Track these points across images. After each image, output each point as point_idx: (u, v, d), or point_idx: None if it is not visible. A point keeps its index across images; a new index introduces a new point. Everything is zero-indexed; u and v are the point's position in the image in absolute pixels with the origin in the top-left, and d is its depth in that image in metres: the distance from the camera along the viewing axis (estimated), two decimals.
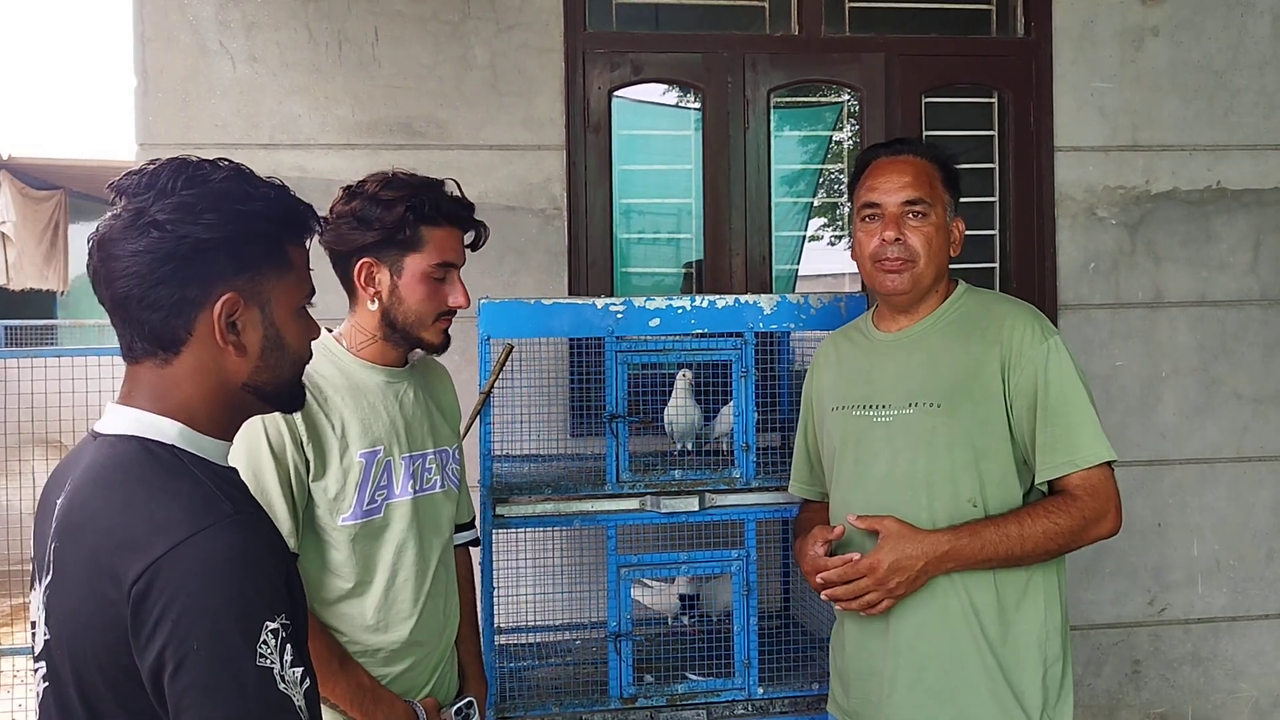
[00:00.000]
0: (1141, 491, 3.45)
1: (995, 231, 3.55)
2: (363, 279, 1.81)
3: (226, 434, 1.20)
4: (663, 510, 2.41)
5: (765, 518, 2.48)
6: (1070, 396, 1.86)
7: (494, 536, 2.43)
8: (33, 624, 1.17)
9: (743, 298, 2.46)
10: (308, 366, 1.27)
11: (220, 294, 1.14)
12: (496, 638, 2.43)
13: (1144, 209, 3.47)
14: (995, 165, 3.55)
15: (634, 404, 2.56)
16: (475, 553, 2.21)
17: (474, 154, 3.20)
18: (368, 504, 1.79)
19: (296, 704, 1.05)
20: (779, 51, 3.41)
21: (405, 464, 1.85)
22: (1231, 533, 3.52)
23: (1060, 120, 3.45)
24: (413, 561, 1.85)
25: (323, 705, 1.63)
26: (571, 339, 2.62)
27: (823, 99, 3.77)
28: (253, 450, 1.70)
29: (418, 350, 1.94)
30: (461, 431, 2.10)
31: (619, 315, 2.41)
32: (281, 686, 1.04)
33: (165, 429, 1.13)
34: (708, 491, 2.44)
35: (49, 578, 1.10)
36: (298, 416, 1.72)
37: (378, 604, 1.81)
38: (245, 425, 1.25)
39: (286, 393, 1.24)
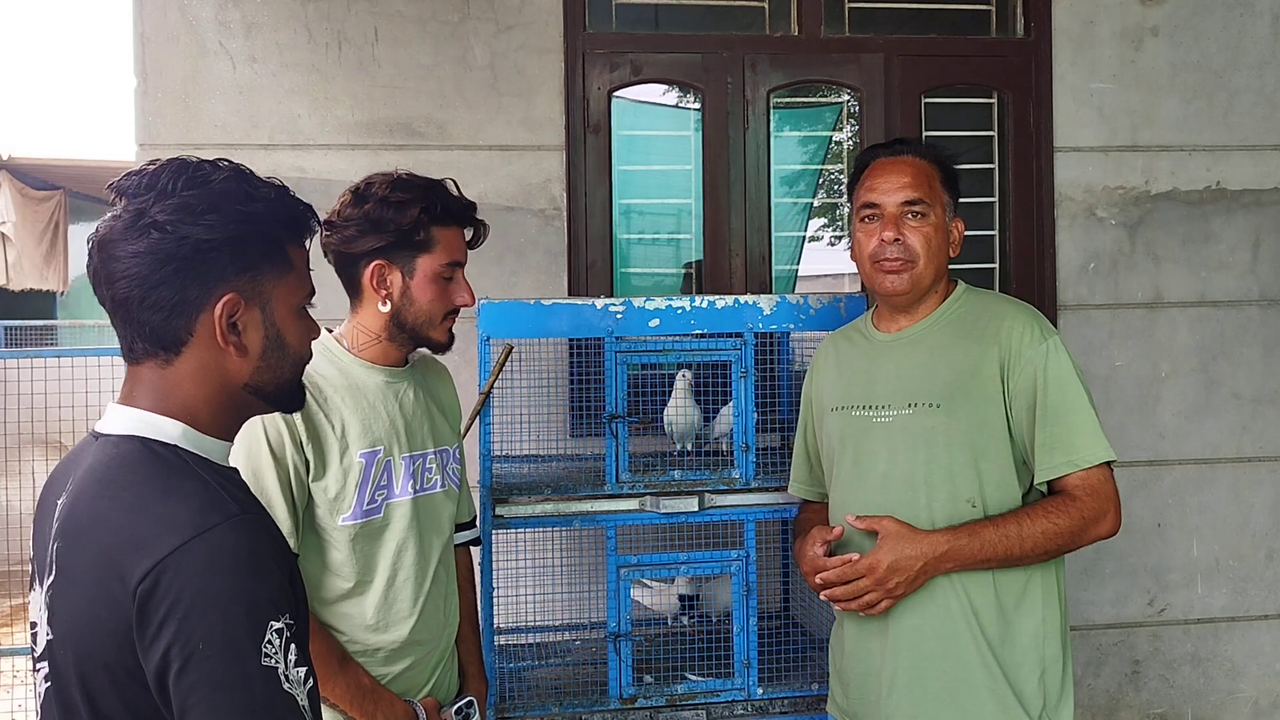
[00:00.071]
0: (1141, 492, 3.45)
1: (995, 232, 3.55)
2: (374, 281, 1.81)
3: (228, 434, 1.20)
4: (662, 511, 2.41)
5: (765, 518, 2.48)
6: (1069, 397, 1.86)
7: (493, 537, 2.43)
8: (32, 624, 1.17)
9: (742, 298, 2.46)
10: (307, 367, 1.27)
11: (221, 295, 1.14)
12: (496, 638, 2.43)
13: (1143, 209, 3.48)
14: (995, 165, 3.55)
15: (634, 404, 2.56)
16: (476, 552, 2.22)
17: (473, 154, 3.20)
18: (368, 504, 1.79)
19: (300, 703, 1.06)
20: (779, 52, 3.41)
21: (405, 464, 1.85)
22: (1231, 533, 3.52)
23: (1060, 120, 3.45)
24: (413, 561, 1.85)
25: (322, 705, 1.63)
26: (571, 339, 2.62)
27: (822, 99, 3.78)
28: (252, 451, 1.70)
29: (418, 350, 1.94)
30: (461, 432, 2.10)
31: (618, 316, 2.41)
32: (286, 686, 1.04)
33: (168, 429, 1.13)
34: (707, 492, 2.44)
35: (52, 578, 1.10)
36: (297, 417, 1.72)
37: (378, 603, 1.81)
38: (244, 426, 1.25)
39: (287, 393, 1.24)
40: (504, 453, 2.59)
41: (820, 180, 3.94)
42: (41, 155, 10.26)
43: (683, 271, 3.60)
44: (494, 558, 2.44)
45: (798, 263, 3.75)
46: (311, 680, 1.09)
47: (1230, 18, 3.50)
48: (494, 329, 2.41)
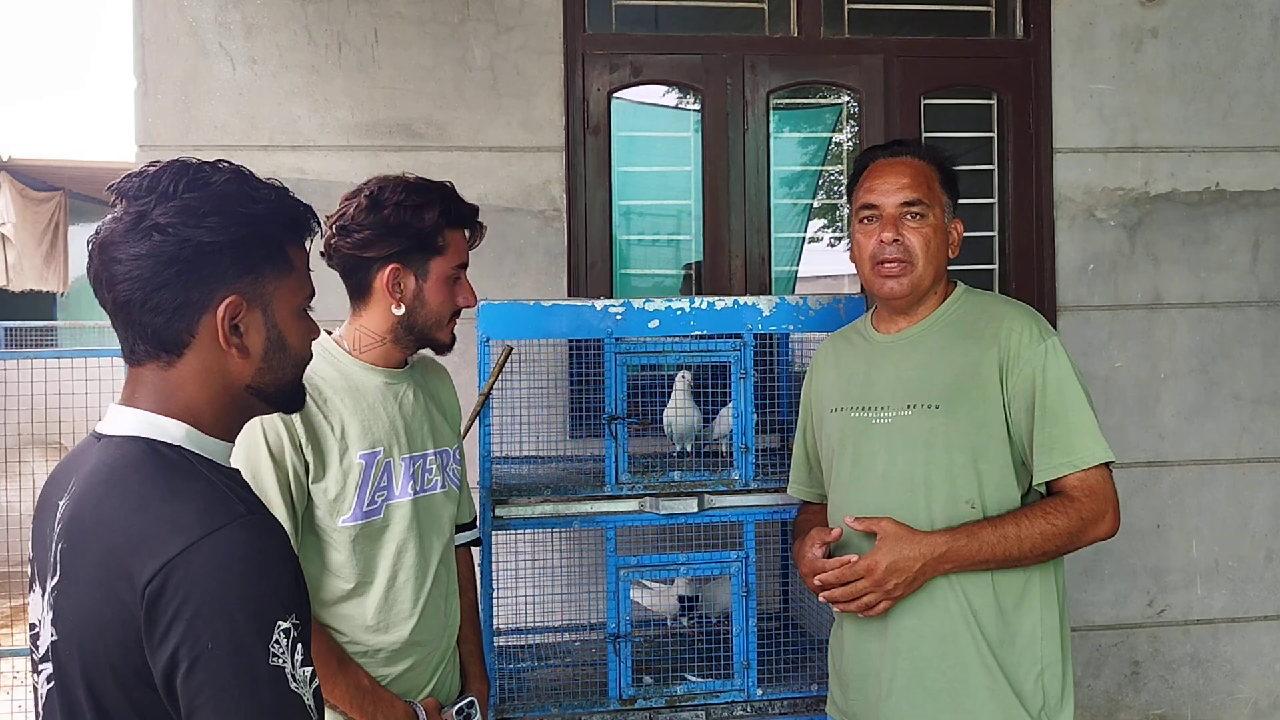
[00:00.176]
0: (1140, 493, 3.45)
1: (994, 233, 3.55)
2: (390, 285, 1.81)
3: (229, 435, 1.20)
4: (662, 512, 2.41)
5: (764, 519, 2.48)
6: (1068, 397, 1.86)
7: (493, 538, 2.44)
8: (32, 625, 1.17)
9: (742, 299, 2.46)
10: (306, 369, 1.27)
11: (223, 297, 1.14)
12: (496, 639, 2.43)
13: (1143, 210, 3.48)
14: (994, 167, 3.55)
15: (633, 405, 2.56)
16: (476, 553, 2.22)
17: (473, 155, 3.20)
18: (368, 505, 1.80)
19: (306, 703, 1.06)
20: (778, 53, 3.41)
21: (405, 465, 1.85)
22: (1230, 534, 3.52)
23: (1059, 122, 3.45)
24: (413, 562, 1.85)
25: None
26: (571, 340, 2.62)
27: (822, 100, 3.78)
28: (251, 453, 1.71)
29: (419, 351, 1.94)
30: (461, 433, 2.10)
31: (618, 317, 2.41)
32: (293, 685, 1.05)
33: (171, 430, 1.13)
34: (707, 493, 2.44)
35: (56, 579, 1.10)
36: (296, 419, 1.73)
37: (378, 604, 1.81)
38: (244, 428, 1.25)
39: (288, 394, 1.25)
40: (504, 454, 2.59)
41: (820, 181, 3.94)
42: (41, 156, 10.26)
43: (682, 273, 3.61)
44: (494, 559, 2.44)
45: (797, 264, 3.75)
46: (316, 680, 1.09)
47: (1230, 19, 3.50)
48: (494, 330, 2.41)
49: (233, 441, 1.21)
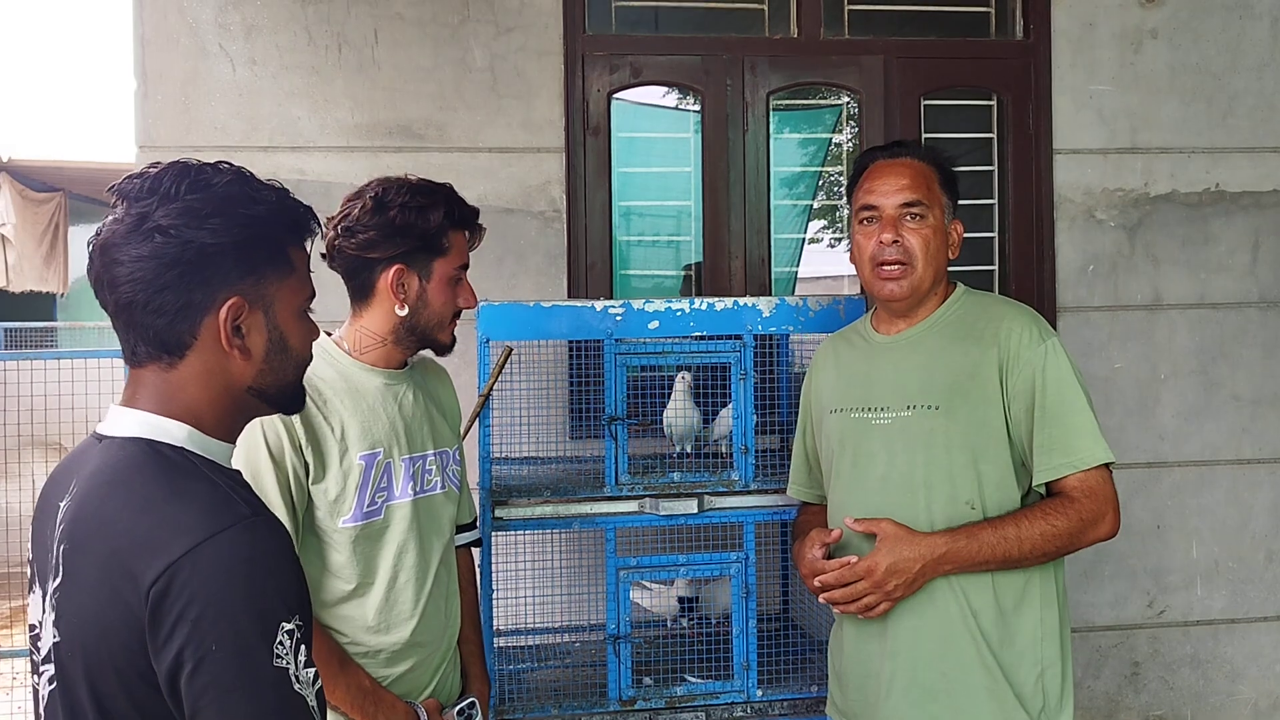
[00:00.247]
0: (1140, 494, 3.45)
1: (994, 234, 3.55)
2: (394, 286, 1.82)
3: (230, 436, 1.20)
4: (662, 513, 2.41)
5: (764, 520, 2.48)
6: (1068, 398, 1.86)
7: (493, 539, 2.43)
8: (32, 626, 1.17)
9: (742, 300, 2.46)
10: (307, 369, 1.27)
11: (225, 298, 1.14)
12: (496, 640, 2.43)
13: (1143, 211, 3.48)
14: (994, 168, 3.55)
15: (633, 406, 2.56)
16: (476, 553, 2.22)
17: (473, 156, 3.20)
18: (368, 506, 1.80)
19: (310, 704, 1.06)
20: (778, 54, 3.41)
21: (405, 466, 1.85)
22: (1230, 535, 3.52)
23: (1059, 123, 3.45)
24: (414, 563, 1.85)
25: None
26: (570, 341, 2.62)
27: (822, 101, 3.78)
28: (251, 454, 1.71)
29: (419, 352, 1.95)
30: (461, 434, 2.10)
31: (618, 318, 2.41)
32: (297, 687, 1.05)
33: (174, 431, 1.13)
34: (707, 494, 2.44)
35: (58, 580, 1.10)
36: (296, 420, 1.73)
37: (379, 605, 1.81)
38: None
39: (289, 395, 1.25)
40: (503, 455, 2.59)
41: (820, 182, 3.94)
42: (41, 157, 10.25)
43: (682, 273, 3.61)
44: (493, 560, 2.44)
45: (797, 265, 3.75)
46: (319, 682, 1.10)
47: (1229, 20, 3.50)
48: (493, 331, 2.41)
49: (234, 443, 1.21)
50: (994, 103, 3.55)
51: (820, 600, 1.95)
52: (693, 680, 2.49)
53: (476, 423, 2.42)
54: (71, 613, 1.08)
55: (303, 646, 1.07)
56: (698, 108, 3.42)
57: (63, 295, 11.42)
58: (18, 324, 10.28)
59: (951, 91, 3.54)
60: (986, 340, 1.91)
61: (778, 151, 3.56)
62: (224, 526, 1.04)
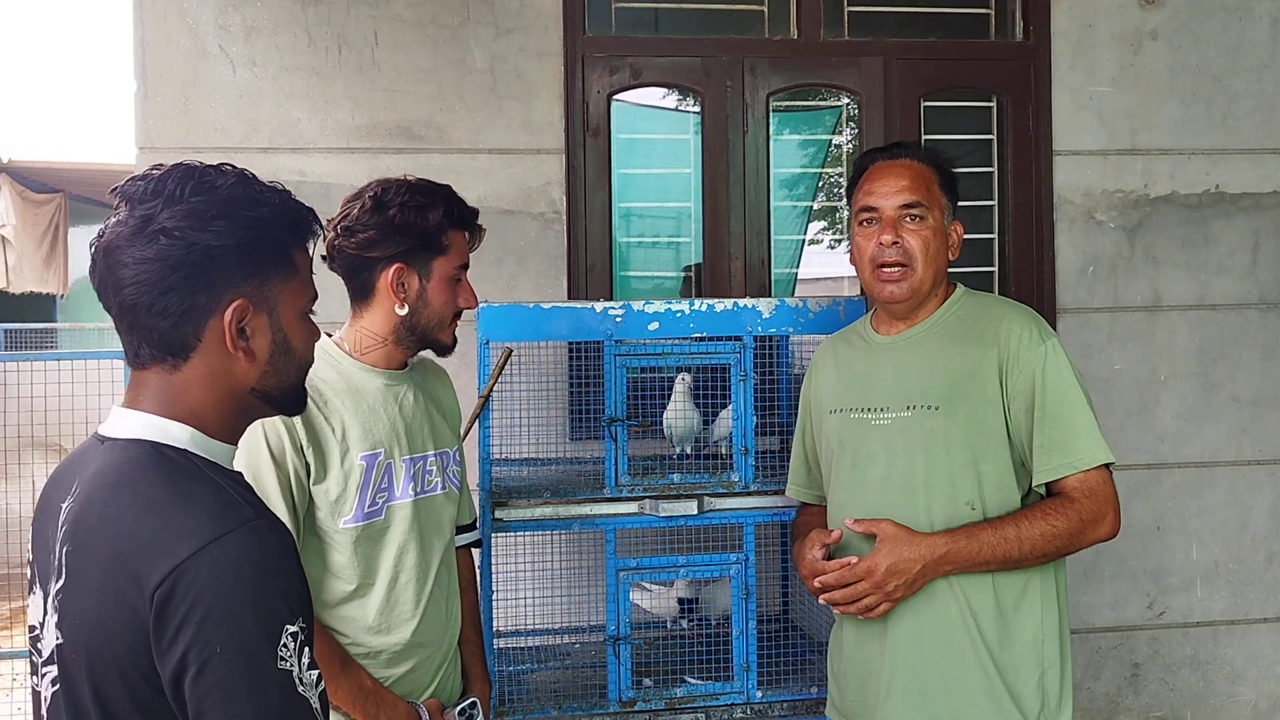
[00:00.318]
0: (1140, 495, 3.45)
1: (994, 235, 3.55)
2: (394, 285, 1.82)
3: (233, 438, 1.21)
4: (661, 514, 2.41)
5: (764, 521, 2.48)
6: (1068, 398, 1.86)
7: (493, 540, 2.43)
8: (31, 627, 1.17)
9: (741, 301, 2.46)
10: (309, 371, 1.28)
11: (230, 301, 1.14)
12: (495, 641, 2.43)
13: (1142, 213, 3.48)
14: (994, 169, 3.56)
15: (633, 408, 2.56)
16: (477, 554, 2.22)
17: (473, 158, 3.20)
18: (369, 506, 1.80)
19: (313, 706, 1.07)
20: (778, 55, 3.41)
21: (406, 466, 1.85)
22: (1230, 536, 3.52)
23: (1059, 124, 3.46)
24: (414, 563, 1.85)
25: None
26: (570, 343, 2.62)
27: (822, 103, 3.78)
28: (253, 455, 1.71)
29: (421, 353, 1.95)
30: (461, 435, 2.10)
31: (618, 319, 2.41)
32: (300, 689, 1.05)
33: (177, 433, 1.13)
34: (706, 495, 2.44)
35: (61, 582, 1.10)
36: (297, 421, 1.73)
37: (380, 606, 1.81)
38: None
39: (291, 396, 1.25)
40: (503, 456, 2.59)
41: (819, 183, 3.94)
42: (41, 158, 10.24)
43: (682, 275, 3.61)
44: (493, 561, 2.44)
45: (797, 266, 3.75)
46: (322, 683, 1.10)
47: (1229, 21, 3.50)
48: (493, 332, 2.41)
49: (235, 444, 1.21)
50: (994, 104, 3.55)
51: (820, 601, 1.95)
52: (692, 682, 2.49)
53: (476, 424, 2.42)
54: (75, 614, 1.08)
55: (306, 648, 1.07)
56: (697, 109, 3.42)
57: (63, 296, 11.42)
58: (18, 325, 10.28)
59: (951, 93, 3.54)
60: (986, 341, 1.91)
61: (777, 153, 3.56)
62: (229, 529, 1.05)
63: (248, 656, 1.02)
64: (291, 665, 1.04)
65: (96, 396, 4.18)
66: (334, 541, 1.78)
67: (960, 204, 2.04)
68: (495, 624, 2.42)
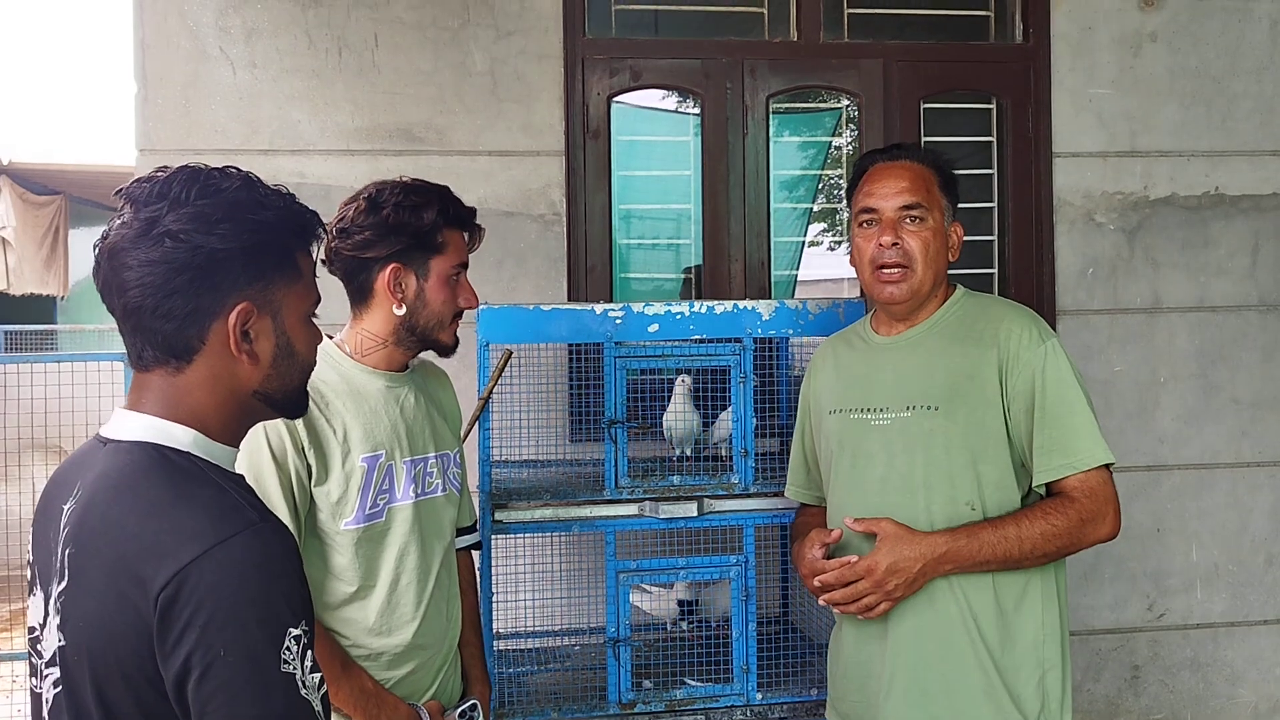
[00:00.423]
0: (1140, 497, 3.45)
1: (994, 237, 3.55)
2: (391, 285, 1.82)
3: (235, 441, 1.21)
4: (661, 516, 2.41)
5: (764, 523, 2.48)
6: (1068, 399, 1.86)
7: (493, 542, 2.43)
8: (31, 629, 1.17)
9: (741, 303, 2.46)
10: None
11: (234, 304, 1.14)
12: (495, 643, 2.43)
13: (1142, 214, 3.48)
14: (994, 171, 3.56)
15: (633, 409, 2.56)
16: (477, 556, 2.22)
17: (473, 160, 3.21)
18: (370, 508, 1.80)
19: (315, 709, 1.07)
20: (778, 57, 3.42)
21: (407, 468, 1.85)
22: (1230, 538, 3.52)
23: (1059, 126, 3.46)
24: (415, 565, 1.85)
25: None
26: (570, 345, 2.62)
27: (822, 104, 3.78)
28: (254, 456, 1.71)
29: (422, 354, 1.95)
30: (461, 436, 2.10)
31: (618, 321, 2.41)
32: (303, 692, 1.06)
33: (180, 436, 1.14)
34: (706, 497, 2.44)
35: (64, 584, 1.10)
36: (298, 423, 1.73)
37: (380, 608, 1.82)
38: None
39: (294, 399, 1.26)
40: (503, 458, 2.60)
41: (819, 185, 3.94)
42: (42, 160, 10.24)
43: (682, 276, 3.61)
44: (493, 563, 2.44)
45: (797, 268, 3.75)
46: (324, 686, 1.10)
47: (1229, 23, 3.50)
48: (493, 334, 2.42)
49: (237, 447, 1.22)
50: (993, 106, 3.56)
51: (820, 601, 1.95)
52: (692, 683, 2.49)
53: (476, 426, 2.42)
54: (77, 616, 1.08)
55: (309, 651, 1.07)
56: (697, 111, 3.42)
57: (63, 298, 11.42)
58: (18, 327, 10.29)
59: (951, 95, 3.54)
60: (986, 341, 1.91)
61: (777, 154, 3.56)
62: (232, 532, 1.05)
63: (251, 660, 1.02)
64: (294, 668, 1.05)
65: (97, 399, 4.18)
66: (335, 543, 1.78)
67: (960, 205, 2.04)
68: (495, 626, 2.42)
